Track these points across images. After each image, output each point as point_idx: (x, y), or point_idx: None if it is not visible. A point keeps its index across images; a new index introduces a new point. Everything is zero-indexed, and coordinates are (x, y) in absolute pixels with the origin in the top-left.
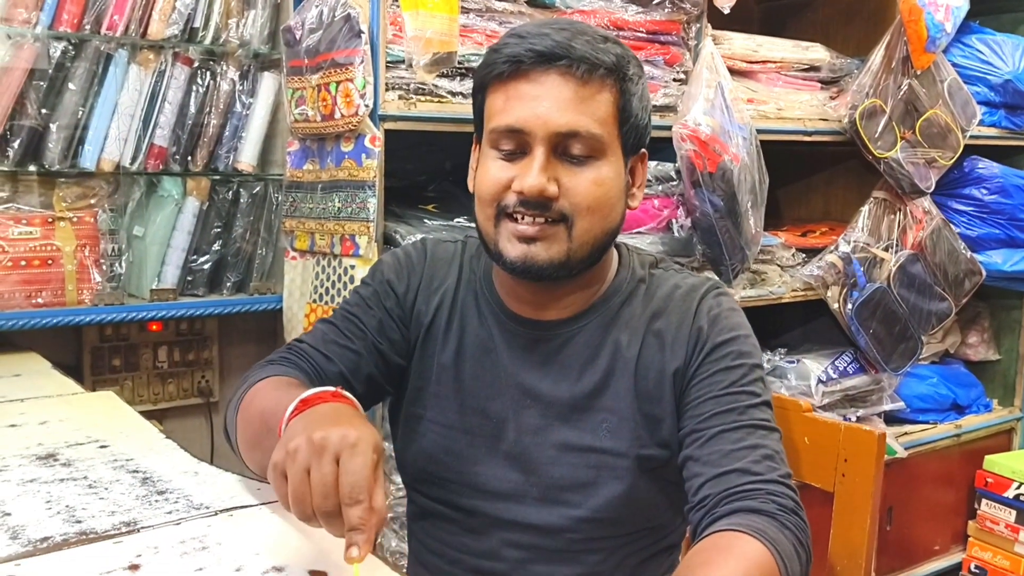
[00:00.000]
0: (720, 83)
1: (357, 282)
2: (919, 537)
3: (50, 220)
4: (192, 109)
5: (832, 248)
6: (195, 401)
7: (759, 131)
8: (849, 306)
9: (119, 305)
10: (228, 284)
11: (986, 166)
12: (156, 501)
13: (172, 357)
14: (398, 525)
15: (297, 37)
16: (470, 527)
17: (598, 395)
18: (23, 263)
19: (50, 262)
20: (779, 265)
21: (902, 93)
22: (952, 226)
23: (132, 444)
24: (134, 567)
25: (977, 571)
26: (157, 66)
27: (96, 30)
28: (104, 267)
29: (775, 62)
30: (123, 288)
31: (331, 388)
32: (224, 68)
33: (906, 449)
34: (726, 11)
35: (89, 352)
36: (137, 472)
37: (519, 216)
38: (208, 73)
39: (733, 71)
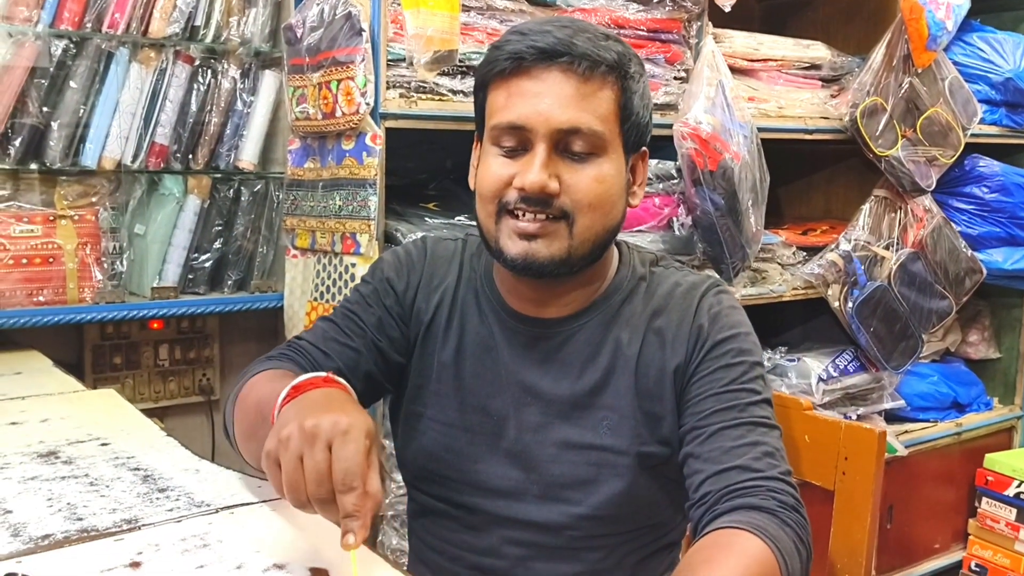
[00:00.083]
0: (721, 81)
1: (358, 280)
2: (919, 535)
3: (51, 218)
4: (193, 107)
5: (833, 246)
6: (196, 399)
7: (760, 129)
8: (850, 304)
9: (120, 303)
10: (229, 282)
11: (987, 164)
12: (157, 499)
13: (173, 355)
14: (399, 523)
15: (298, 35)
16: (471, 525)
17: (599, 393)
18: (24, 261)
19: (51, 260)
20: (780, 263)
21: (903, 91)
22: (953, 224)
23: (133, 442)
24: (135, 564)
25: (977, 569)
26: (158, 64)
27: (97, 28)
28: (105, 265)
29: (776, 60)
30: (124, 286)
31: (323, 374)
32: (225, 66)
33: (906, 447)
34: (727, 9)
35: (90, 350)
36: (138, 470)
37: (520, 213)
38: (209, 71)
39: (734, 69)
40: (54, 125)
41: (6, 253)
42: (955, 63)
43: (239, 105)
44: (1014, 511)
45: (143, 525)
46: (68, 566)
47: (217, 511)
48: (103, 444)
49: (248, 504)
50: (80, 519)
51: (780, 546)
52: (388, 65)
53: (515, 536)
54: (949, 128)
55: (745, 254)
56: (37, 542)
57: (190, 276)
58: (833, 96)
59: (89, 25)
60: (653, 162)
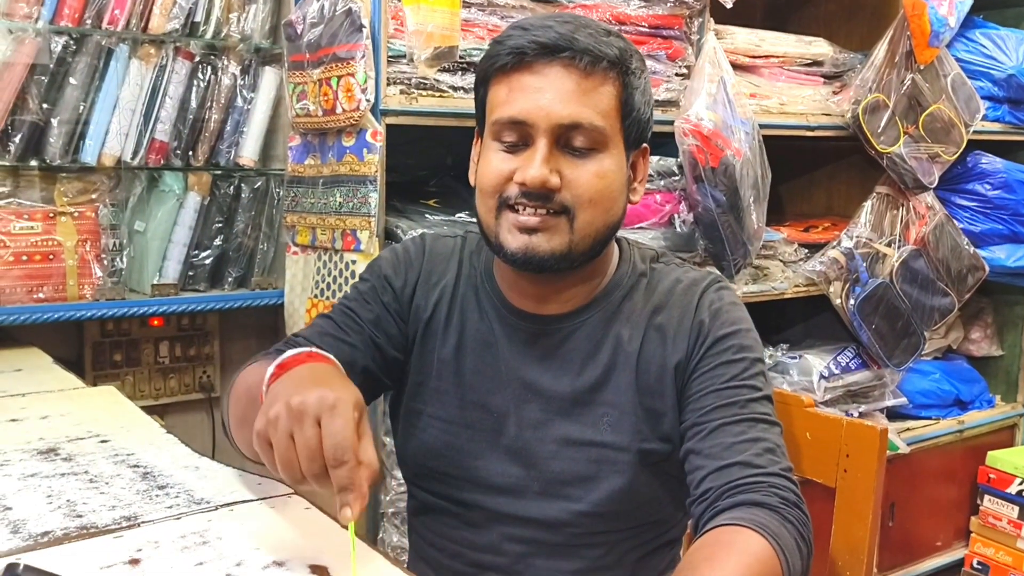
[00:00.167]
0: (723, 78)
1: (358, 277)
2: (921, 533)
3: (51, 215)
4: (193, 104)
5: (835, 243)
6: (196, 396)
7: (762, 126)
8: (851, 301)
9: (120, 300)
10: (229, 279)
11: (989, 161)
12: (157, 496)
13: (173, 352)
14: (399, 520)
15: (298, 31)
16: (471, 521)
17: (599, 389)
18: (24, 258)
19: (51, 257)
20: (781, 260)
21: (905, 88)
22: (955, 221)
23: (133, 439)
24: (134, 561)
25: (979, 567)
26: (158, 61)
27: (97, 25)
28: (105, 262)
29: (778, 57)
30: (124, 283)
31: (306, 349)
32: (225, 63)
33: (908, 445)
34: (729, 5)
35: (90, 347)
36: (138, 467)
37: (521, 207)
38: (209, 68)
39: (736, 66)
40: (54, 122)
41: (6, 250)
42: (957, 59)
43: (239, 101)
44: (1016, 509)
45: (143, 522)
46: (67, 563)
47: (217, 508)
48: (103, 441)
49: (248, 501)
50: (80, 516)
51: (781, 543)
52: (389, 61)
53: (515, 533)
54: (951, 125)
55: (746, 251)
56: (36, 539)
57: (190, 273)
58: (835, 93)
59: (89, 21)
60: (655, 159)
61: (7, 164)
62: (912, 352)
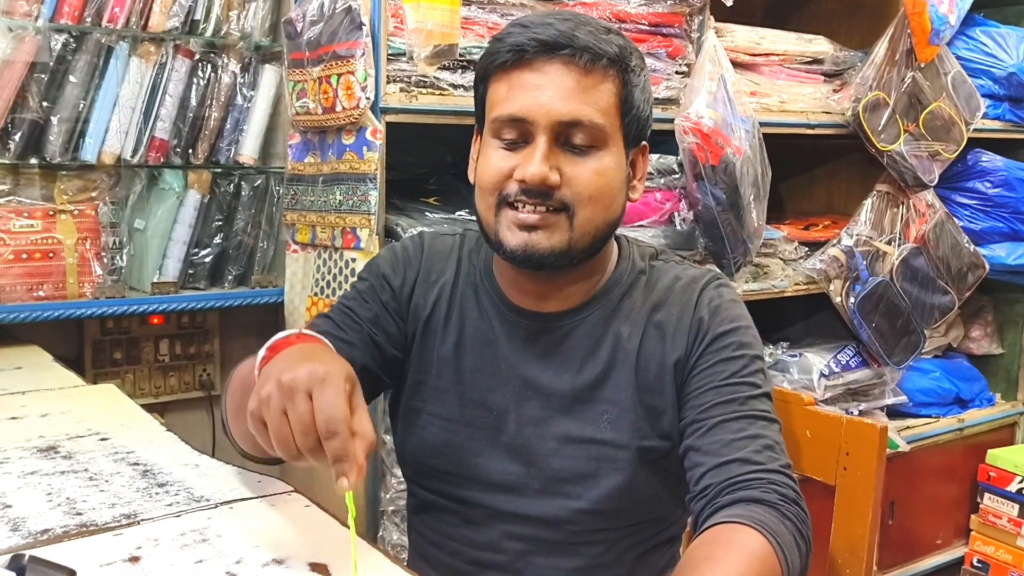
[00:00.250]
0: (723, 76)
1: (357, 276)
2: (921, 531)
3: (51, 213)
4: (193, 102)
5: (835, 241)
6: (196, 394)
7: (762, 124)
8: (852, 300)
9: (120, 298)
10: (229, 277)
11: (990, 159)
12: (156, 493)
13: (173, 350)
14: (399, 518)
15: (298, 29)
16: (471, 519)
17: (599, 387)
18: (24, 256)
19: (51, 255)
20: (781, 258)
21: (905, 86)
22: (955, 219)
23: (133, 437)
24: (134, 559)
25: (979, 565)
26: (158, 59)
27: (97, 23)
28: (105, 260)
29: (778, 55)
30: (124, 281)
31: (295, 331)
32: (225, 61)
33: (908, 443)
34: (729, 3)
35: (90, 345)
36: (138, 464)
37: (520, 205)
38: (209, 66)
39: (736, 64)
40: (54, 120)
41: (6, 248)
42: (958, 57)
43: (239, 99)
44: (1016, 507)
45: (142, 520)
46: (67, 561)
47: (216, 506)
48: (103, 439)
49: (247, 499)
50: (79, 514)
51: (780, 541)
52: (388, 59)
53: (515, 531)
54: (952, 123)
55: (747, 249)
56: (36, 536)
57: (190, 271)
58: (835, 91)
59: (89, 19)
60: (654, 157)
61: (7, 162)
62: (912, 350)
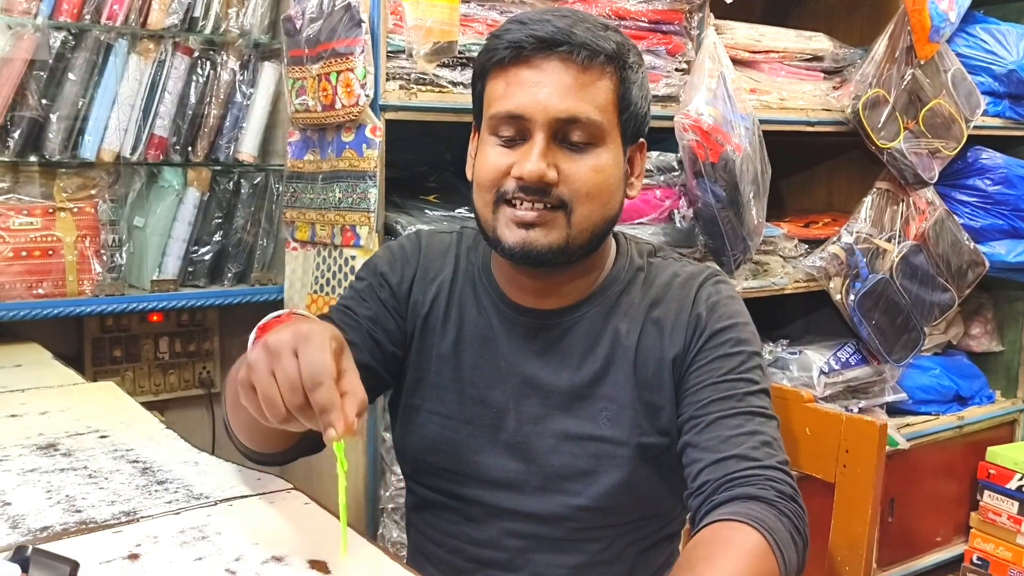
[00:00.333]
0: (722, 73)
1: (355, 276)
2: (921, 529)
3: (51, 211)
4: (192, 99)
5: (835, 239)
6: (196, 392)
7: (761, 121)
8: (851, 297)
9: (120, 296)
10: (229, 275)
11: (990, 156)
12: (156, 491)
13: (173, 348)
14: (399, 515)
15: (297, 26)
16: (470, 517)
17: (598, 383)
18: (24, 254)
19: (51, 253)
20: (781, 256)
21: (905, 83)
22: (955, 217)
23: (132, 434)
24: (134, 556)
25: (979, 563)
26: (157, 56)
27: (96, 20)
28: (105, 258)
29: (778, 52)
30: (124, 279)
31: (286, 311)
32: (224, 58)
33: (908, 440)
34: (728, 0)
35: (90, 343)
36: (137, 462)
37: (518, 202)
38: (208, 63)
39: (735, 61)
40: (53, 117)
41: (5, 246)
42: (958, 55)
43: (238, 97)
44: (1016, 504)
45: (142, 517)
46: None
47: (216, 503)
48: (102, 436)
49: (247, 496)
50: (79, 511)
51: (777, 538)
52: (388, 56)
53: (515, 528)
54: (952, 120)
55: (746, 246)
56: (36, 534)
57: (190, 269)
58: (835, 88)
59: (88, 17)
60: (654, 154)
61: (6, 160)
62: (912, 348)
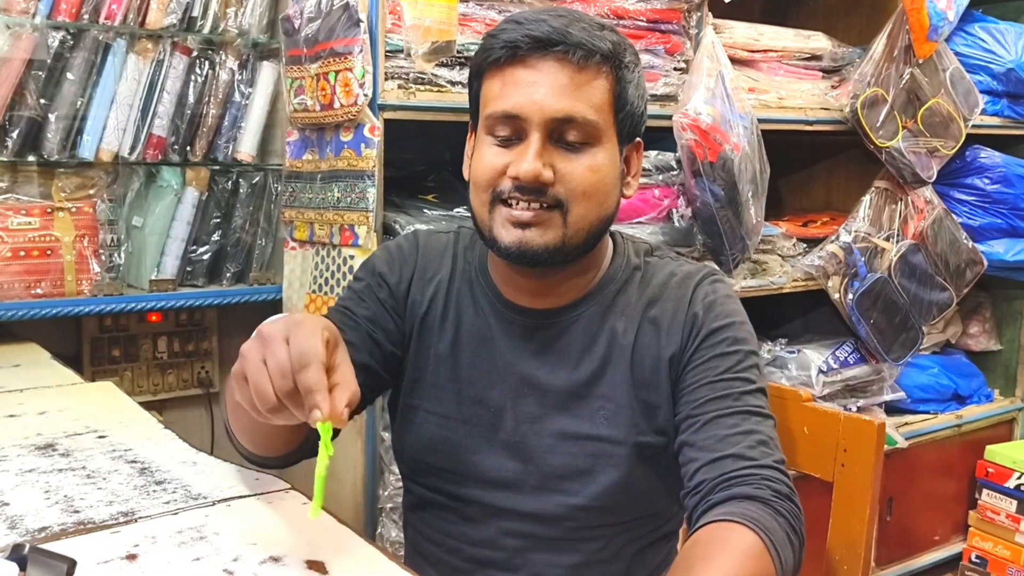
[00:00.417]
0: (721, 72)
1: (352, 277)
2: (920, 527)
3: (49, 210)
4: (191, 99)
5: (833, 238)
6: (195, 392)
7: (760, 120)
8: (850, 296)
9: (118, 295)
10: (228, 274)
11: (988, 155)
12: (154, 491)
13: (172, 348)
14: (397, 515)
15: (296, 26)
16: (468, 516)
17: (595, 383)
18: (22, 253)
19: (49, 252)
20: (780, 255)
21: (904, 82)
22: (954, 216)
23: (130, 434)
24: (131, 557)
25: (978, 561)
26: (155, 56)
27: (94, 20)
28: (103, 257)
29: (776, 51)
30: (122, 278)
31: (284, 315)
32: (223, 57)
33: (907, 439)
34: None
35: (88, 343)
36: (135, 462)
37: (514, 202)
38: (207, 63)
39: (734, 60)
40: (51, 117)
41: (4, 245)
42: (956, 53)
43: (237, 96)
44: (1014, 503)
45: (140, 518)
46: None
47: (214, 504)
48: (100, 436)
49: (245, 496)
50: (77, 511)
51: (774, 538)
52: (386, 56)
53: (513, 527)
54: (950, 119)
55: (745, 246)
56: (34, 534)
57: (188, 268)
58: (834, 87)
59: (86, 16)
60: (652, 153)
61: (4, 159)
62: (910, 347)
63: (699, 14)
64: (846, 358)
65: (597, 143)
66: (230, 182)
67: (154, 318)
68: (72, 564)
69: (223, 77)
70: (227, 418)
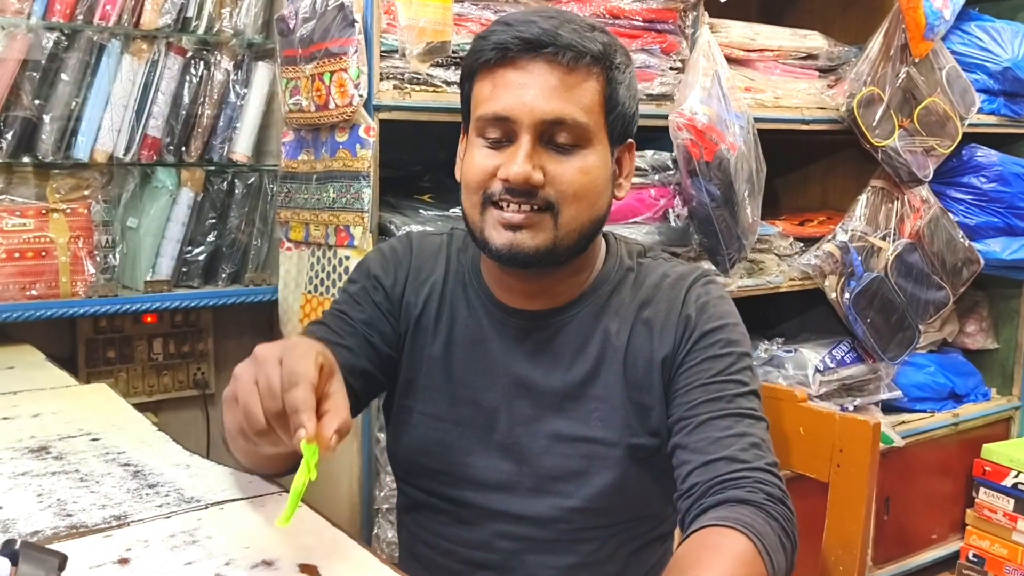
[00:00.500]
0: (717, 72)
1: (347, 280)
2: (917, 526)
3: (44, 212)
4: (186, 99)
5: (830, 237)
6: (191, 393)
7: (756, 120)
8: (847, 295)
9: (113, 297)
10: (223, 275)
11: (985, 154)
12: (147, 494)
13: (167, 349)
14: (393, 516)
15: (291, 26)
16: (462, 518)
17: (589, 384)
18: (17, 255)
19: (44, 254)
20: (776, 254)
21: (900, 81)
22: (950, 215)
23: (124, 437)
24: (124, 561)
25: (975, 560)
26: (150, 56)
27: (89, 20)
28: (98, 259)
29: (772, 50)
30: (117, 280)
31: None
32: (218, 58)
33: (904, 438)
34: None
35: (83, 344)
36: (129, 465)
37: (505, 204)
38: (202, 63)
39: (730, 59)
40: (46, 118)
41: None
42: (953, 52)
43: (232, 97)
44: (1012, 501)
45: (132, 521)
46: None
47: (207, 507)
48: (94, 439)
49: (238, 500)
50: (70, 515)
51: (766, 542)
52: (381, 56)
53: (507, 529)
54: (947, 118)
55: (741, 245)
56: (26, 538)
57: (184, 269)
58: (830, 86)
59: (81, 17)
60: (648, 153)
61: None
62: (907, 346)
63: (695, 13)
64: (843, 357)
65: (588, 145)
66: (225, 183)
67: (149, 319)
68: (63, 559)
69: (218, 78)
70: (223, 434)
